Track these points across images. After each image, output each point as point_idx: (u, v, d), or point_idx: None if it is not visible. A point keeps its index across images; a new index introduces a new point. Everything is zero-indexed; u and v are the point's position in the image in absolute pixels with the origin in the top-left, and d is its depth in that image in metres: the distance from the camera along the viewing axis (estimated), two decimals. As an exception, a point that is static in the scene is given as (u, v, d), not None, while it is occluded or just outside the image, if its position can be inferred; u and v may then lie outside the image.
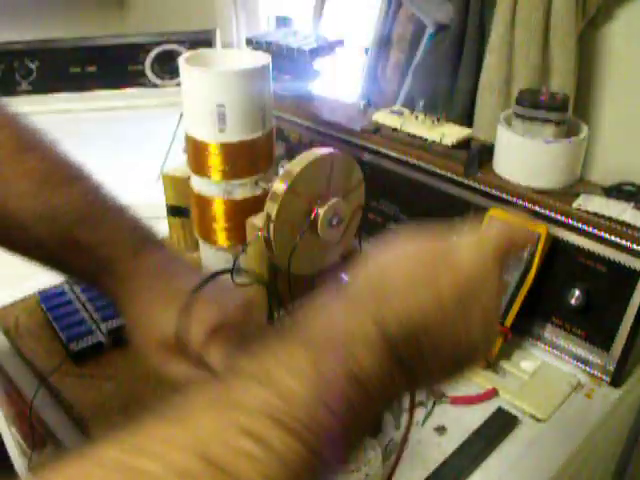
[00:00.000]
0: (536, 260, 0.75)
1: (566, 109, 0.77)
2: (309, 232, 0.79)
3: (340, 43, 1.05)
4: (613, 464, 0.97)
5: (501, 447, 0.67)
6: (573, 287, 0.75)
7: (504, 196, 0.80)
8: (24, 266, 1.26)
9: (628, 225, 0.70)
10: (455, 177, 0.84)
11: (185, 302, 0.50)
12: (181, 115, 1.42)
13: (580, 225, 0.73)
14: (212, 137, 0.80)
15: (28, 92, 1.71)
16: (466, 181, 0.83)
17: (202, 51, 0.84)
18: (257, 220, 0.79)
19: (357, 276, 0.42)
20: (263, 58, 0.81)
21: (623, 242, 0.70)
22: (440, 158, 0.85)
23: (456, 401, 0.72)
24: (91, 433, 0.67)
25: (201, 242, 0.90)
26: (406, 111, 0.93)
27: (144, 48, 1.71)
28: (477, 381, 0.75)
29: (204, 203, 0.86)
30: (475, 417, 0.70)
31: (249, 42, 1.05)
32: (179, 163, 0.94)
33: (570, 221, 0.74)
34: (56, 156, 0.56)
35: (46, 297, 0.85)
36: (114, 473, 0.28)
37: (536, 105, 0.77)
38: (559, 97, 0.77)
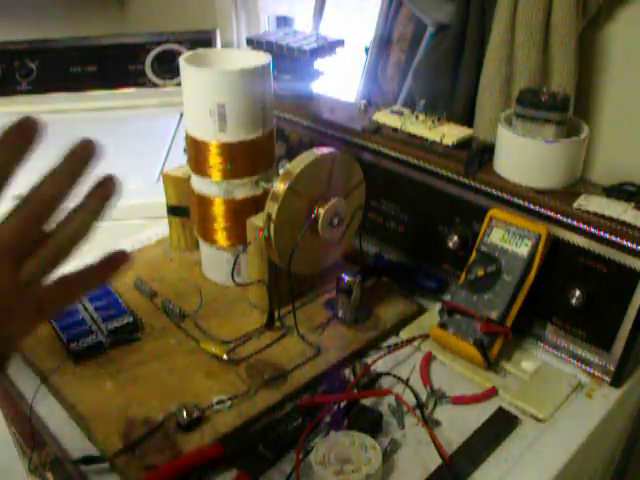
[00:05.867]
0: (536, 260, 0.76)
1: (566, 109, 0.77)
2: (309, 232, 0.79)
3: (340, 43, 1.05)
4: (613, 464, 0.97)
5: (501, 447, 0.67)
6: (573, 287, 0.75)
7: (504, 196, 0.80)
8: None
9: (628, 225, 0.70)
10: (455, 177, 0.84)
11: None
12: (181, 115, 1.41)
13: (580, 225, 0.73)
14: (212, 137, 0.80)
15: (28, 92, 1.71)
16: (466, 181, 0.83)
17: (202, 51, 0.84)
18: (257, 220, 0.79)
19: None
20: (263, 58, 0.81)
21: (623, 242, 0.70)
22: (440, 158, 0.85)
23: (457, 401, 0.72)
24: (91, 433, 0.67)
25: (201, 242, 0.90)
26: (406, 111, 0.93)
27: (144, 48, 1.71)
28: (477, 381, 0.75)
29: (204, 203, 0.86)
30: (475, 417, 0.70)
31: (249, 42, 1.05)
32: (179, 163, 0.94)
33: (570, 221, 0.74)
34: None
35: (46, 297, 0.85)
36: None
37: (537, 105, 0.77)
38: (559, 97, 0.77)
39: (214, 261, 0.90)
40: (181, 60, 0.79)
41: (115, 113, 1.71)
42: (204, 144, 0.81)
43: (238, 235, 0.85)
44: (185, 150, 0.87)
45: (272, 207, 0.76)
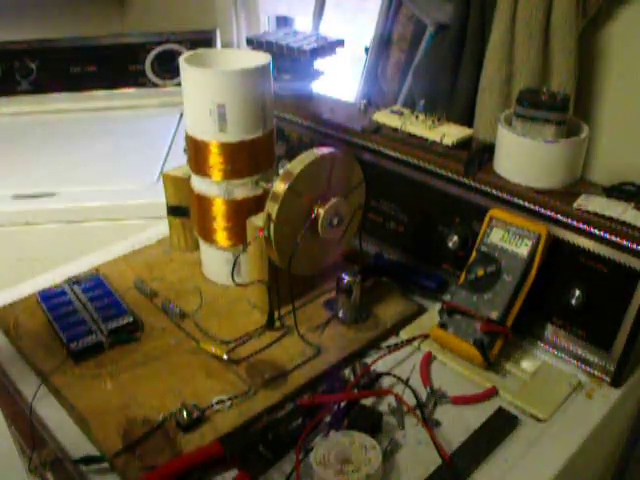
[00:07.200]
0: (536, 260, 0.76)
1: (566, 109, 0.77)
2: (309, 232, 0.79)
3: (340, 43, 1.05)
4: (613, 464, 0.97)
5: (501, 447, 0.67)
6: (573, 287, 0.75)
7: (504, 196, 0.80)
8: (24, 266, 1.27)
9: (628, 225, 0.70)
10: (455, 177, 0.84)
11: None
12: (181, 115, 1.41)
13: (580, 225, 0.73)
14: (212, 137, 0.80)
15: (28, 92, 1.71)
16: (466, 181, 0.83)
17: (202, 51, 0.84)
18: (257, 220, 0.79)
19: None
20: (263, 58, 0.81)
21: (623, 242, 0.70)
22: (440, 158, 0.85)
23: (457, 401, 0.72)
24: (91, 433, 0.67)
25: (201, 242, 0.90)
26: (406, 111, 0.93)
27: (144, 48, 1.71)
28: (477, 381, 0.75)
29: (204, 203, 0.86)
30: (475, 417, 0.70)
31: (249, 42, 1.05)
32: (179, 163, 0.94)
33: (570, 221, 0.74)
34: None
35: (46, 297, 0.85)
36: None
37: (536, 105, 0.77)
38: (559, 97, 0.77)
39: (214, 261, 0.90)
40: (181, 60, 0.79)
41: (115, 113, 1.71)
42: (204, 144, 0.81)
43: (238, 235, 0.85)
44: (185, 150, 0.87)
45: (272, 207, 0.76)
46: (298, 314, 0.82)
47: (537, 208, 0.77)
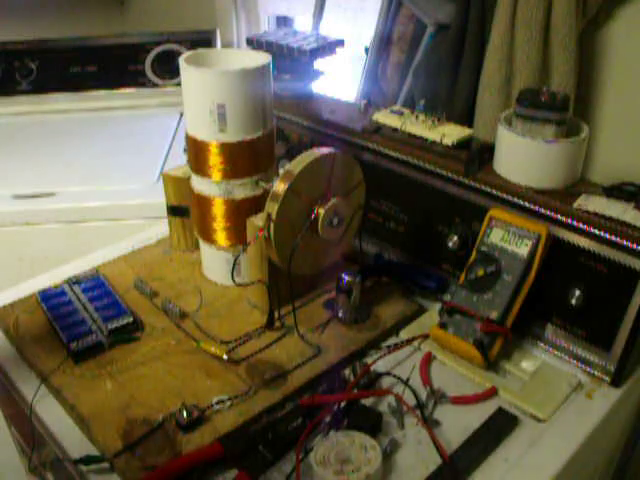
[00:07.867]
0: (536, 260, 0.76)
1: (567, 109, 0.77)
2: (309, 232, 0.79)
3: (340, 43, 1.05)
4: (613, 464, 0.97)
5: (501, 447, 0.67)
6: (573, 287, 0.75)
7: (504, 196, 0.80)
8: (24, 266, 1.27)
9: (628, 225, 0.70)
10: (455, 177, 0.84)
11: None
12: (181, 115, 1.41)
13: (580, 225, 0.73)
14: (212, 137, 0.80)
15: (28, 92, 1.71)
16: (466, 181, 0.83)
17: (202, 51, 0.84)
18: (257, 220, 0.79)
19: None
20: (263, 58, 0.81)
21: (623, 242, 0.70)
22: (440, 158, 0.85)
23: (457, 401, 0.72)
24: (91, 433, 0.67)
25: (201, 242, 0.90)
26: (406, 111, 0.93)
27: (144, 48, 1.71)
28: (477, 381, 0.75)
29: (204, 203, 0.86)
30: (475, 417, 0.70)
31: (249, 42, 1.05)
32: (179, 163, 0.94)
33: (570, 221, 0.74)
34: None
35: (46, 297, 0.85)
36: None
37: (537, 105, 0.77)
38: (560, 97, 0.77)
39: (214, 261, 0.90)
40: (181, 60, 0.79)
41: (115, 113, 1.71)
42: (204, 144, 0.81)
43: (238, 235, 0.85)
44: (185, 150, 0.87)
45: (272, 207, 0.76)
46: (298, 314, 0.82)
47: (537, 208, 0.77)
